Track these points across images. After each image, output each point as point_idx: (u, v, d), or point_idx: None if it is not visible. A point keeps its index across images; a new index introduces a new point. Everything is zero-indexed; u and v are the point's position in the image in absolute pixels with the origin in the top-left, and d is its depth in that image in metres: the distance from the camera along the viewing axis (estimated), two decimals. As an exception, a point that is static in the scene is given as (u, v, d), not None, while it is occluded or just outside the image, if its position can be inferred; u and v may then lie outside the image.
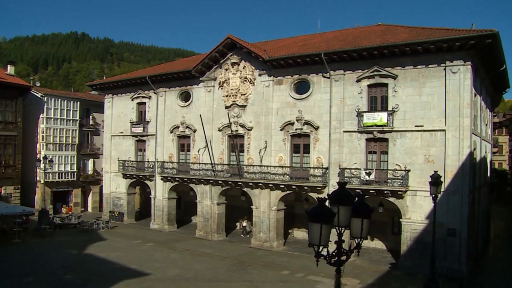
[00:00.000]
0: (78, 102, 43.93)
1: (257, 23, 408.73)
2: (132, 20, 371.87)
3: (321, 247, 6.29)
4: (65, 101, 42.78)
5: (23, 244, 28.91)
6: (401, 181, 24.02)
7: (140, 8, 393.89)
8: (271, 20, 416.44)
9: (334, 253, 6.90)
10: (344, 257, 7.02)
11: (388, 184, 24.31)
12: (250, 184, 29.59)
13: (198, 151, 33.30)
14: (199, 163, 32.76)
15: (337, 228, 6.79)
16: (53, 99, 41.67)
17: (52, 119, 41.47)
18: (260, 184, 29.18)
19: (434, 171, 19.79)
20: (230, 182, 30.83)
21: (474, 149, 25.36)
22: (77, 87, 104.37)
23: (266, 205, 29.40)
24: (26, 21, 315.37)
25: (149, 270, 22.86)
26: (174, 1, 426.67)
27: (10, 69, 41.05)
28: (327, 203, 6.65)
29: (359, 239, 7.10)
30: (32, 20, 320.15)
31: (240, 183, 30.18)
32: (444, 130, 23.34)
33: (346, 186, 23.40)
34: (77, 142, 43.53)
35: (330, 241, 6.46)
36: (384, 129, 24.88)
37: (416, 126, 24.19)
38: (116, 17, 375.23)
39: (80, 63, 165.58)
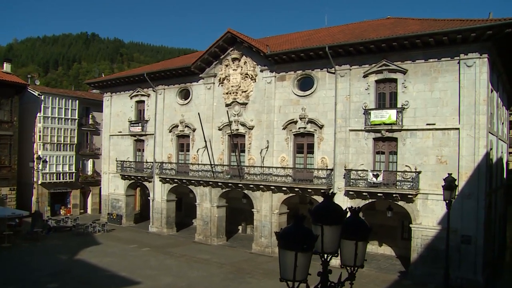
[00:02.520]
0: (77, 101, 42.47)
1: (266, 22, 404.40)
2: (142, 21, 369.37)
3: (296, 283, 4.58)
4: (63, 99, 41.37)
5: (12, 248, 27.55)
6: (411, 184, 22.25)
7: (150, 8, 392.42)
8: (279, 18, 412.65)
9: (317, 288, 5.19)
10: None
11: (397, 187, 22.56)
12: (251, 186, 28.01)
13: (198, 151, 31.77)
14: (198, 164, 31.25)
15: (321, 255, 5.09)
16: (50, 97, 40.24)
17: (50, 118, 40.08)
18: (262, 186, 27.59)
19: (448, 174, 18.01)
20: (230, 184, 29.25)
21: (491, 149, 23.50)
22: (86, 87, 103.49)
23: (267, 208, 27.81)
24: (37, 22, 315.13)
25: (139, 278, 21.37)
26: (184, 1, 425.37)
27: (7, 67, 39.86)
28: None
29: (352, 268, 5.21)
30: (43, 21, 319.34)
31: (241, 185, 28.58)
32: (458, 129, 21.50)
33: (354, 189, 21.01)
34: (76, 142, 42.06)
35: (310, 274, 4.73)
36: (393, 128, 23.12)
37: (427, 124, 22.37)
38: (126, 18, 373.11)
39: (90, 64, 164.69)
